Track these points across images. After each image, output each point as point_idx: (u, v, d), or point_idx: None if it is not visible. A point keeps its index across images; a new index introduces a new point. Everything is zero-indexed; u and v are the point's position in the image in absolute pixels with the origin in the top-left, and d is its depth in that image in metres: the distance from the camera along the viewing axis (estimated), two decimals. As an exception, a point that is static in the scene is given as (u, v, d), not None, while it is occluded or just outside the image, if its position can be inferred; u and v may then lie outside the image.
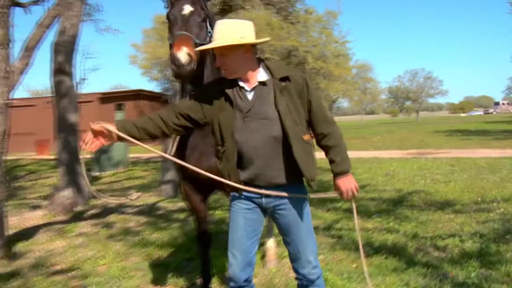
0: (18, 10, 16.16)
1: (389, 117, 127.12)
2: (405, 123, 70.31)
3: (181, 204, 9.70)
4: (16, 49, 6.92)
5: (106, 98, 32.03)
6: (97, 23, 20.99)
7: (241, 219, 3.24)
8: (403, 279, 4.90)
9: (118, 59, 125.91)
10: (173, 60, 3.53)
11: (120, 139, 3.18)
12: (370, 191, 10.60)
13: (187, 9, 3.90)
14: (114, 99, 30.12)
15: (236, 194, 3.26)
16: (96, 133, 3.14)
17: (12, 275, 5.79)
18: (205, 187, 4.41)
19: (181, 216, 8.71)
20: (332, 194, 3.31)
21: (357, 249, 5.93)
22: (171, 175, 10.42)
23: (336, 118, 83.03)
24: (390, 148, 23.85)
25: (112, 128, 3.12)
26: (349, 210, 8.47)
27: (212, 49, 3.17)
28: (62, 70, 10.41)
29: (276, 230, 4.65)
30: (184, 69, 3.52)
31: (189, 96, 3.47)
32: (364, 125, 70.42)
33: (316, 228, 7.08)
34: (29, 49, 13.17)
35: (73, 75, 10.79)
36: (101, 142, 3.16)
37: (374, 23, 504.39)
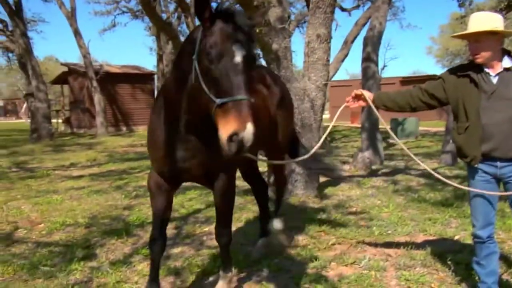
0: (342, 14, 17.12)
1: None
2: None
3: (457, 171, 9.12)
4: (335, 44, 7.32)
5: (406, 81, 31.43)
6: (400, 21, 20.70)
7: (479, 190, 3.13)
8: None
9: (414, 50, 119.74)
10: (237, 142, 2.21)
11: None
12: None
13: (246, 51, 2.34)
14: (413, 82, 29.42)
15: (473, 168, 3.10)
16: (357, 96, 3.49)
17: (320, 210, 6.38)
18: (174, 179, 3.30)
19: (452, 180, 8.21)
20: None
21: None
22: (451, 146, 9.79)
23: None
24: None
25: (368, 96, 3.43)
26: None
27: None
28: (369, 58, 10.69)
29: None
30: (242, 152, 2.28)
31: (436, 78, 3.33)
32: None
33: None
34: (348, 43, 13.84)
35: (377, 63, 10.94)
36: (359, 103, 3.50)
37: None
